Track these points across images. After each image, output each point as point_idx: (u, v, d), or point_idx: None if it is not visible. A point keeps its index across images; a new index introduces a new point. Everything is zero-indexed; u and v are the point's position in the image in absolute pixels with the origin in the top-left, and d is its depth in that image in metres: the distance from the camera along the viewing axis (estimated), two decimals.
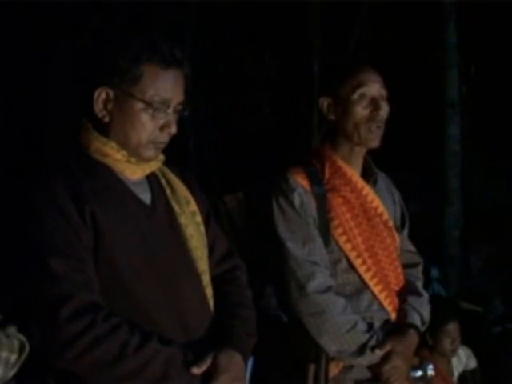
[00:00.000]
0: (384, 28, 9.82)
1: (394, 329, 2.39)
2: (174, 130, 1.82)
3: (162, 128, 1.80)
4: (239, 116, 10.71)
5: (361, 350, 2.30)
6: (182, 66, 1.81)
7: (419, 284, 2.56)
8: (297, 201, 2.33)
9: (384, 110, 2.37)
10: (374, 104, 2.36)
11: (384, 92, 2.39)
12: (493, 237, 9.05)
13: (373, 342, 2.31)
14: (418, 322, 2.44)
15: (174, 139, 1.86)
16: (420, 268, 2.62)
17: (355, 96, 2.35)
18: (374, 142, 2.39)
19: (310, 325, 2.29)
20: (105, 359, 1.63)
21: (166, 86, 1.78)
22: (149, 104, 1.76)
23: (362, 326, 2.30)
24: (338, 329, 2.27)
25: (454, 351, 4.17)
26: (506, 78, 9.81)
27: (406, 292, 2.47)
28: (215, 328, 1.86)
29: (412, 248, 2.66)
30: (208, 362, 1.74)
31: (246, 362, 1.86)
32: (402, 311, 2.43)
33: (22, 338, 1.63)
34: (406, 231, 2.63)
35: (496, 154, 10.19)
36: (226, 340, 1.83)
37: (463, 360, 4.37)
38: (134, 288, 1.73)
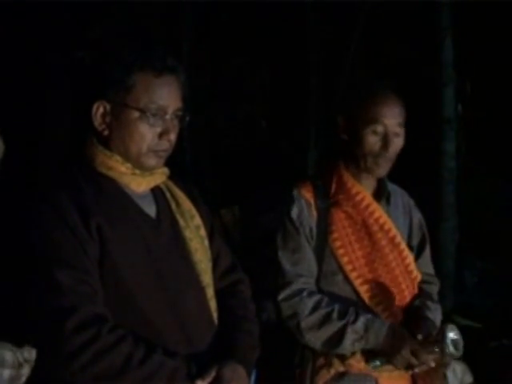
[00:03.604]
0: (381, 44, 9.86)
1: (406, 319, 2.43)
2: (173, 136, 1.82)
3: (160, 135, 1.80)
4: (235, 130, 10.72)
5: (341, 335, 2.31)
6: (176, 72, 1.82)
7: (433, 295, 2.60)
8: (294, 212, 2.39)
9: (394, 147, 2.37)
10: (385, 140, 2.35)
11: (399, 129, 2.38)
12: (488, 252, 9.06)
13: (350, 319, 2.31)
14: (429, 314, 2.48)
15: (171, 152, 1.87)
16: (434, 287, 2.63)
17: (367, 130, 2.35)
18: (381, 173, 2.42)
19: (291, 328, 2.35)
20: (109, 371, 1.64)
21: (160, 93, 1.79)
22: (143, 112, 1.77)
23: (336, 315, 2.32)
24: (313, 325, 2.32)
25: (447, 365, 4.17)
26: (501, 96, 9.86)
27: (418, 296, 2.52)
28: (219, 341, 1.87)
29: (431, 270, 2.65)
30: (212, 374, 1.75)
31: (249, 375, 1.87)
32: (413, 306, 2.48)
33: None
34: (426, 252, 2.63)
35: (491, 169, 10.23)
36: (229, 353, 1.84)
37: (459, 375, 4.36)
38: (139, 300, 1.74)
